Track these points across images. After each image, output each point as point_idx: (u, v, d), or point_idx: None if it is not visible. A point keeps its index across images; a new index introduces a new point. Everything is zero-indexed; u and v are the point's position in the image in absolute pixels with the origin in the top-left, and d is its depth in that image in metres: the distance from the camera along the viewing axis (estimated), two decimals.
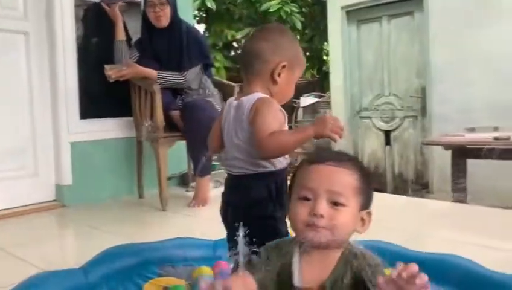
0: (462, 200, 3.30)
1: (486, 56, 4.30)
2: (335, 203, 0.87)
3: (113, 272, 1.55)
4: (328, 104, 7.07)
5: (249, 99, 1.25)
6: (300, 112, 7.06)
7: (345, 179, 0.89)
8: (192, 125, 2.72)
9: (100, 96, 3.04)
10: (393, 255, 1.49)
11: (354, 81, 5.54)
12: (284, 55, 1.29)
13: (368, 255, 0.92)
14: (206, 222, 2.47)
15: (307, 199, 0.89)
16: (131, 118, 3.04)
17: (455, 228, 2.32)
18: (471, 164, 3.47)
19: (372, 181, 0.98)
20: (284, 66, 1.28)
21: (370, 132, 5.47)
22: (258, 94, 1.25)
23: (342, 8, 5.42)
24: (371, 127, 5.47)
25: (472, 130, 3.60)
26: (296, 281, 0.89)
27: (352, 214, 0.90)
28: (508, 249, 1.86)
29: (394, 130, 5.24)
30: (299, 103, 7.10)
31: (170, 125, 2.82)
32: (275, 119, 1.21)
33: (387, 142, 5.29)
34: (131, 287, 1.51)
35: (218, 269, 1.51)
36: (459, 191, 3.44)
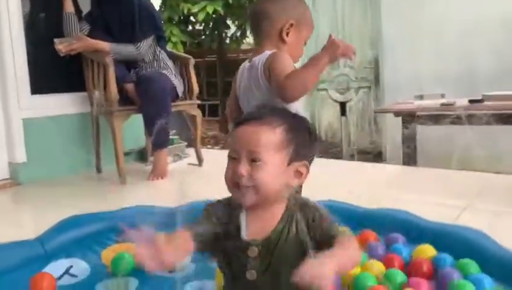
0: (412, 164, 3.47)
1: (435, 28, 4.48)
2: (254, 161, 0.90)
3: (70, 241, 1.57)
4: None
5: (260, 58, 1.32)
6: None
7: (264, 137, 0.90)
8: (147, 98, 2.71)
9: (52, 71, 2.97)
10: (345, 212, 1.60)
11: (310, 53, 5.60)
12: (291, 15, 1.34)
13: (313, 205, 0.96)
14: (165, 194, 2.51)
15: (234, 158, 0.92)
16: (85, 93, 2.99)
17: (405, 188, 2.46)
18: (420, 129, 3.64)
19: (306, 132, 0.97)
20: (291, 25, 1.33)
21: (326, 104, 5.60)
22: (269, 52, 1.31)
23: None
24: (327, 99, 5.59)
25: (421, 97, 3.77)
26: (243, 234, 0.94)
27: (275, 170, 0.91)
28: (451, 205, 2.01)
29: (349, 100, 5.39)
30: None
31: (125, 99, 2.80)
32: (290, 66, 1.27)
33: (343, 113, 5.43)
34: (90, 255, 1.54)
35: None
36: (409, 155, 3.61)
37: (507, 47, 4.09)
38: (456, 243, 1.40)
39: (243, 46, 8.90)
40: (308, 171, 0.97)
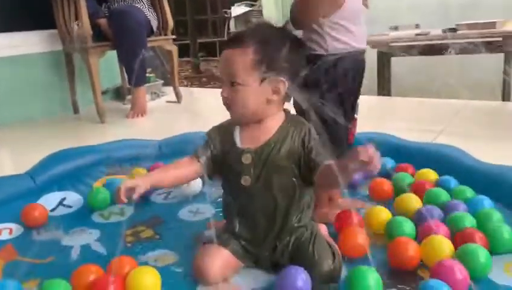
0: (387, 94, 3.55)
1: None
2: (233, 84, 0.95)
3: (61, 174, 1.58)
4: (260, 13, 6.97)
5: None
6: (232, 23, 6.93)
7: (237, 60, 0.94)
8: (121, 33, 2.63)
9: (17, 8, 2.82)
10: None
11: None
12: None
13: (309, 126, 0.99)
14: (147, 131, 2.51)
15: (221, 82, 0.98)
16: (55, 31, 2.87)
17: (381, 117, 2.53)
18: (395, 60, 3.68)
19: (287, 46, 0.96)
20: None
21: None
22: None
23: None
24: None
25: (396, 28, 3.77)
26: (238, 143, 1.00)
27: (250, 90, 0.95)
28: (426, 130, 2.10)
29: None
30: (230, 12, 6.95)
31: (98, 35, 2.71)
32: None
33: None
34: (81, 187, 1.55)
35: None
36: (383, 86, 3.68)
37: None
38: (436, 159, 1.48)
39: None
40: (284, 87, 0.96)
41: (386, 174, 1.41)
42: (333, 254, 0.94)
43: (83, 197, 1.47)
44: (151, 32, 2.89)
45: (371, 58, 3.93)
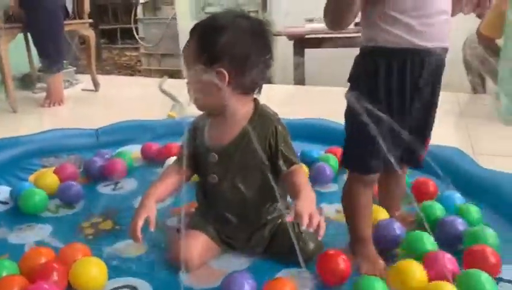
0: (302, 84, 3.72)
1: None
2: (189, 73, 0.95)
3: None
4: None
5: None
6: (140, 10, 6.66)
7: (186, 54, 0.95)
8: (35, 13, 2.42)
9: None
10: None
11: None
12: None
13: (277, 121, 0.99)
14: (66, 121, 2.35)
15: None
16: None
17: (297, 105, 2.65)
18: (310, 52, 3.86)
19: (241, 33, 0.93)
20: None
21: None
22: None
23: None
24: None
25: (311, 20, 3.94)
26: (206, 139, 1.00)
27: (196, 77, 0.93)
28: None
29: None
30: None
31: (8, 16, 2.46)
32: None
33: None
34: (16, 181, 1.42)
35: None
36: (299, 76, 3.84)
37: None
38: None
39: None
40: (225, 75, 0.91)
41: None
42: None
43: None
44: (66, 16, 2.69)
45: (285, 49, 4.08)
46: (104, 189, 1.41)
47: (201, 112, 1.02)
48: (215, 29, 0.92)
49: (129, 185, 1.43)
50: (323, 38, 3.71)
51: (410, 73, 0.90)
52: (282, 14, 4.80)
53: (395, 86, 0.91)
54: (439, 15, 0.90)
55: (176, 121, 1.90)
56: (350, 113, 0.94)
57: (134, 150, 1.62)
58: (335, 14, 0.93)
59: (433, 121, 1.00)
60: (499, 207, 1.17)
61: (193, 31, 0.95)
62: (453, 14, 0.94)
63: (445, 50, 0.93)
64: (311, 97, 3.03)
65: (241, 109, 0.96)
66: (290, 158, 0.97)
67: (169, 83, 3.26)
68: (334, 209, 1.22)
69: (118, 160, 1.47)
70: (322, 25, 3.84)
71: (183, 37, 5.43)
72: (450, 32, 0.93)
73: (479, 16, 0.99)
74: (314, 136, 1.70)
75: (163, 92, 2.97)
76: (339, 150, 1.55)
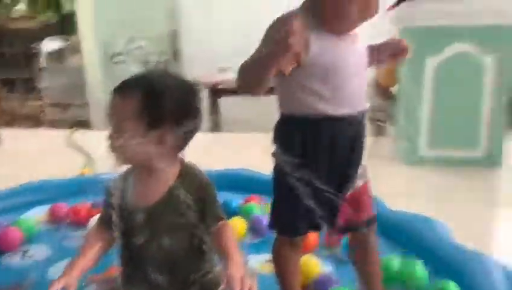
0: (218, 131, 3.77)
1: (231, 2, 4.78)
2: (118, 131, 0.92)
3: None
4: (75, 48, 6.60)
5: None
6: (43, 59, 6.39)
7: (124, 107, 0.91)
8: None
9: None
10: None
11: (104, 25, 5.34)
12: None
13: (203, 178, 0.98)
14: None
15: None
16: None
17: (215, 153, 2.67)
18: (225, 100, 3.95)
19: (178, 98, 0.94)
20: None
21: (126, 77, 5.44)
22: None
23: None
24: (126, 72, 5.43)
25: (224, 70, 4.05)
26: (130, 199, 0.97)
27: (136, 139, 0.91)
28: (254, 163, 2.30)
29: None
30: (40, 48, 6.40)
31: None
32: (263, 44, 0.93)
33: None
34: None
35: None
36: (215, 123, 3.91)
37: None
38: None
39: (13, 14, 7.83)
40: (169, 140, 0.93)
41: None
42: None
43: None
44: None
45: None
46: (11, 260, 1.29)
47: (119, 169, 0.99)
48: (153, 91, 0.92)
49: (40, 252, 1.32)
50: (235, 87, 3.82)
51: (325, 140, 0.92)
52: (194, 62, 4.89)
53: (312, 152, 0.92)
54: (351, 79, 0.91)
55: (89, 178, 1.80)
56: (276, 176, 0.96)
57: (42, 213, 1.52)
58: (251, 79, 0.91)
59: (356, 177, 0.99)
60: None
61: (126, 90, 0.93)
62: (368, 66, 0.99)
63: (362, 113, 0.95)
64: (228, 144, 3.07)
65: (170, 167, 0.96)
66: (217, 214, 0.97)
67: (78, 136, 3.13)
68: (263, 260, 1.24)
69: (13, 229, 1.36)
70: (234, 75, 3.95)
71: (92, 87, 5.30)
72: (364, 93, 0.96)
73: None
74: (235, 186, 1.71)
75: (72, 145, 2.85)
76: (258, 198, 1.59)
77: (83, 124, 5.44)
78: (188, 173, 0.97)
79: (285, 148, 0.94)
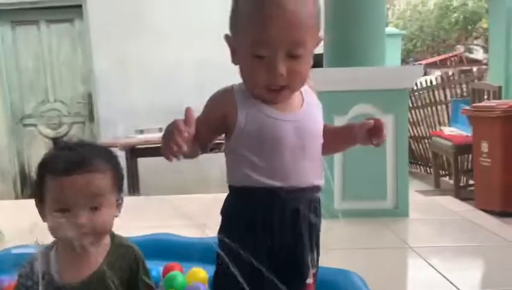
0: (136, 193, 3.69)
1: (143, 63, 4.86)
2: (95, 208, 0.92)
3: None
4: None
5: None
6: None
7: (101, 184, 0.92)
8: None
9: None
10: None
11: (12, 87, 5.12)
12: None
13: (134, 249, 0.99)
14: None
15: (64, 211, 0.90)
16: None
17: (139, 217, 2.61)
18: (143, 162, 3.90)
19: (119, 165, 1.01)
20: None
21: (36, 140, 5.20)
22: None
23: None
24: (37, 135, 5.20)
25: (141, 131, 4.03)
26: (56, 277, 0.92)
27: (112, 209, 0.96)
28: (191, 225, 2.29)
29: (62, 136, 5.17)
30: None
31: None
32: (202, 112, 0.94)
33: None
34: None
35: None
36: (133, 186, 3.82)
37: (206, 83, 4.80)
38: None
39: None
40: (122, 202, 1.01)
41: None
42: None
43: None
44: None
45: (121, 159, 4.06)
46: None
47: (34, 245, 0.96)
48: (115, 162, 0.98)
49: None
50: (154, 147, 3.81)
51: (261, 213, 0.89)
52: (110, 125, 4.82)
53: (251, 227, 0.89)
54: (284, 150, 0.88)
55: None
56: (220, 250, 0.91)
57: None
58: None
59: (307, 262, 0.93)
60: None
61: (92, 167, 0.92)
62: (345, 146, 1.00)
63: (306, 190, 0.91)
64: (147, 207, 3.01)
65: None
66: (148, 285, 0.97)
67: None
68: None
69: None
70: (152, 135, 3.97)
71: None
72: (318, 171, 0.92)
73: (377, 145, 0.93)
74: (155, 252, 1.68)
75: None
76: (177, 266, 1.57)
77: None
78: (119, 245, 0.98)
79: (228, 221, 0.93)
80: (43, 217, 0.94)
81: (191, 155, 0.89)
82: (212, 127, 0.91)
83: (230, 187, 0.94)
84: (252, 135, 0.89)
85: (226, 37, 0.92)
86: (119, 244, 0.98)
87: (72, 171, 0.90)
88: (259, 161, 0.88)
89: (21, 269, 0.96)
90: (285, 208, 0.89)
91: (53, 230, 0.91)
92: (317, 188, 0.93)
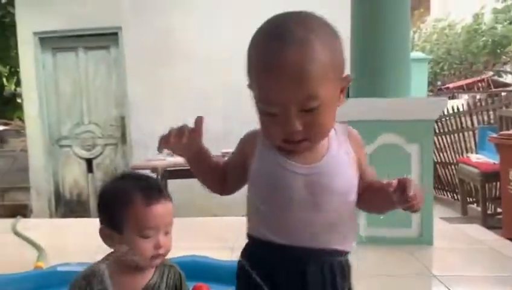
0: None
1: (174, 88, 5.05)
2: (166, 232, 1.04)
3: None
4: (17, 132, 6.51)
5: None
6: None
7: (172, 211, 1.06)
8: None
9: None
10: None
11: (51, 110, 5.38)
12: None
13: (177, 269, 1.10)
14: None
15: (146, 237, 1.01)
16: None
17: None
18: (173, 183, 4.02)
19: None
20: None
21: (71, 160, 5.42)
22: None
23: (35, 33, 5.21)
24: (71, 156, 5.42)
25: (171, 154, 4.16)
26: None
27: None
28: (219, 247, 2.37)
29: (96, 157, 5.38)
30: None
31: None
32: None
33: (90, 169, 5.37)
34: None
35: None
36: None
37: (234, 110, 4.92)
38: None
39: None
40: None
41: None
42: None
43: None
44: None
45: None
46: None
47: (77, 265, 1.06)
48: (170, 198, 1.09)
49: None
50: (184, 169, 3.93)
51: (266, 270, 0.84)
52: (141, 147, 5.00)
53: (262, 278, 0.84)
54: (293, 206, 0.81)
55: (45, 272, 1.75)
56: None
57: None
58: (204, 185, 0.96)
59: None
60: None
61: (164, 197, 1.04)
62: (385, 209, 0.86)
63: (327, 252, 0.82)
64: (177, 229, 3.11)
65: None
66: None
67: (24, 224, 3.05)
68: None
69: None
70: (182, 158, 4.08)
71: (34, 171, 5.18)
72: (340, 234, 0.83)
73: (416, 211, 0.78)
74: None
75: (18, 235, 2.77)
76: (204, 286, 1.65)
77: (23, 208, 5.25)
78: (164, 265, 1.07)
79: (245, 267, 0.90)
80: (112, 241, 1.03)
81: (198, 166, 0.97)
82: (237, 169, 0.91)
83: (247, 235, 0.91)
84: (261, 183, 0.84)
85: (248, 86, 0.83)
86: (163, 264, 1.08)
87: (156, 201, 1.02)
88: (267, 213, 0.83)
89: (74, 283, 1.03)
90: (289, 269, 0.82)
91: (129, 253, 1.01)
92: (336, 252, 0.84)
